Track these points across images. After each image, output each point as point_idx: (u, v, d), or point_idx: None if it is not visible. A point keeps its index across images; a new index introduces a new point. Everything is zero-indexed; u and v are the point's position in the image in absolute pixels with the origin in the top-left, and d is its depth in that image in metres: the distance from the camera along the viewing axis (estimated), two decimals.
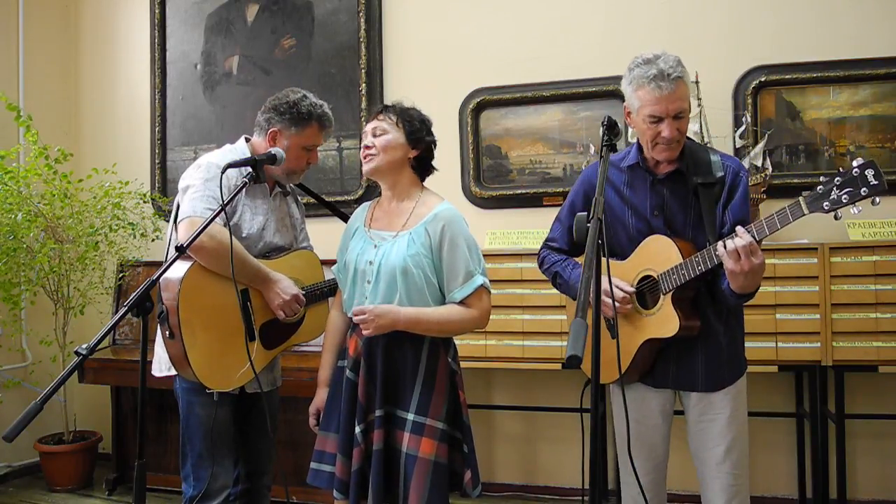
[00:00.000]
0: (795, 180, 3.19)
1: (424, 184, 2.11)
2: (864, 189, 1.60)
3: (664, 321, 1.90)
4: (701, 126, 3.11)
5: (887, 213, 3.05)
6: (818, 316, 2.83)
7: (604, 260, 2.07)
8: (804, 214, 1.67)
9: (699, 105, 3.12)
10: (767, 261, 2.82)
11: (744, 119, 3.19)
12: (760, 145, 3.12)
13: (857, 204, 1.62)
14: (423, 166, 2.08)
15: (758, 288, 1.83)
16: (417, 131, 2.04)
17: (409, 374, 1.97)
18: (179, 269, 1.94)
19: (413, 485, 1.88)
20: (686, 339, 1.92)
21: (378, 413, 1.94)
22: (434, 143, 2.10)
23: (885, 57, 3.12)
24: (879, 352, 2.78)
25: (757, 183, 3.06)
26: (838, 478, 2.91)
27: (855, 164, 1.61)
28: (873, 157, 3.14)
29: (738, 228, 1.74)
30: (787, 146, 3.26)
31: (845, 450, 2.91)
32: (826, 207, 1.64)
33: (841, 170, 1.63)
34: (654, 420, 2.02)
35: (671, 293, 1.89)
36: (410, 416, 1.93)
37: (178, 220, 2.05)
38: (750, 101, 3.23)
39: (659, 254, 1.92)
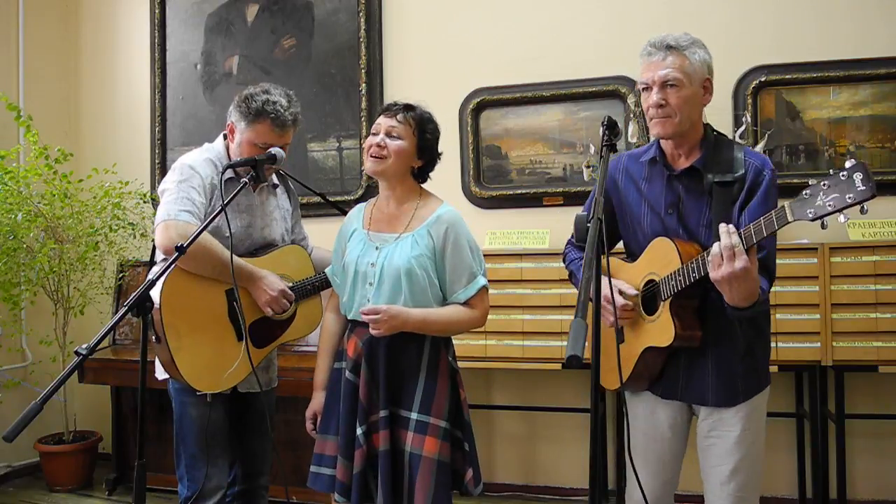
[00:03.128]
0: (795, 180, 3.18)
1: (423, 186, 2.11)
2: (849, 196, 1.45)
3: (662, 329, 1.80)
4: None
5: (887, 213, 3.05)
6: (818, 316, 2.83)
7: (604, 261, 2.05)
8: (789, 222, 1.54)
9: None
10: None
11: (744, 119, 3.19)
12: (760, 145, 3.12)
13: (844, 212, 1.48)
14: (423, 174, 2.08)
15: (754, 303, 1.67)
16: (430, 143, 2.02)
17: (411, 373, 1.97)
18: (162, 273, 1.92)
19: (418, 484, 1.87)
20: (695, 349, 1.81)
21: (383, 413, 1.93)
22: (439, 156, 2.08)
23: (885, 57, 3.12)
24: (879, 352, 2.78)
25: None
26: (838, 478, 2.91)
27: (847, 164, 1.47)
28: (873, 157, 3.15)
29: (722, 226, 1.62)
30: (787, 146, 3.25)
31: (845, 450, 2.91)
32: (810, 215, 1.50)
33: (830, 172, 1.50)
34: (664, 434, 1.90)
35: (669, 300, 1.79)
36: (414, 416, 1.93)
37: (155, 224, 2.02)
38: (750, 101, 3.23)
39: (661, 257, 1.82)
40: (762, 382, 1.87)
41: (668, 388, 1.88)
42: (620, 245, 2.07)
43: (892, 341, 2.77)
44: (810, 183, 1.52)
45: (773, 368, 2.86)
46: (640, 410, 1.93)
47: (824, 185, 1.49)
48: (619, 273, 1.98)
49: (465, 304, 1.98)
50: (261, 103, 2.06)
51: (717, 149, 1.84)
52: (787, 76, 3.22)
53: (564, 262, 2.16)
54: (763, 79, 3.24)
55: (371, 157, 1.98)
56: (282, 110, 2.08)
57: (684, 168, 1.86)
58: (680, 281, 1.74)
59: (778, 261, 2.79)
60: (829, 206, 1.48)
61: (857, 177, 1.44)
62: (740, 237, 1.60)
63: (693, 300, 1.80)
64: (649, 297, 1.87)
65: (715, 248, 1.62)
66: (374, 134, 2.00)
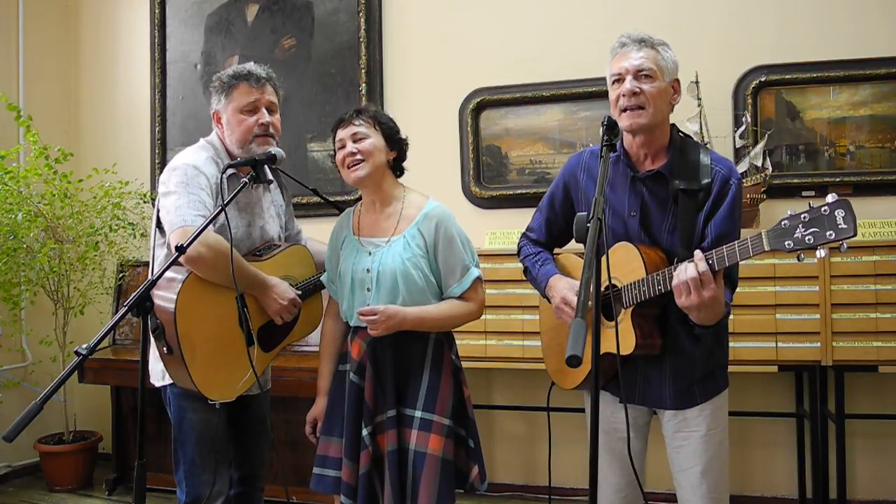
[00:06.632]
0: (795, 180, 3.20)
1: (402, 182, 2.12)
2: (830, 232, 1.43)
3: (622, 337, 1.75)
4: (701, 126, 3.11)
5: (887, 213, 3.05)
6: (818, 316, 2.83)
7: (569, 260, 2.03)
8: (765, 251, 1.52)
9: (699, 105, 3.12)
10: (767, 261, 2.86)
11: (744, 119, 3.19)
12: (760, 145, 3.12)
13: (822, 247, 1.46)
14: (398, 167, 2.10)
15: (719, 320, 1.68)
16: (394, 132, 2.05)
17: (415, 371, 1.98)
18: (174, 283, 1.88)
19: (423, 482, 1.88)
20: (651, 355, 1.80)
21: (390, 413, 1.94)
22: (407, 143, 2.10)
23: (885, 57, 3.12)
24: (879, 352, 2.78)
25: (757, 183, 3.06)
26: (838, 478, 2.91)
27: (828, 199, 1.45)
28: (873, 157, 3.15)
29: (697, 253, 1.61)
30: (787, 146, 3.25)
31: (845, 450, 2.91)
32: (788, 246, 1.49)
33: (811, 205, 1.47)
34: (624, 434, 1.87)
35: (631, 308, 1.76)
36: (418, 414, 1.94)
37: (169, 230, 1.96)
38: (750, 101, 3.23)
39: (625, 263, 1.78)
40: (720, 385, 1.87)
41: (627, 393, 1.87)
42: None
43: (892, 341, 2.77)
44: (789, 214, 1.50)
45: (773, 368, 2.89)
46: (600, 410, 1.93)
47: (804, 217, 1.47)
48: (576, 271, 1.97)
49: (461, 297, 2.00)
50: (231, 72, 2.11)
51: (683, 153, 1.81)
52: (787, 76, 3.22)
53: (518, 255, 2.13)
54: (763, 79, 3.24)
55: (348, 167, 1.99)
56: (253, 68, 2.11)
57: (650, 172, 1.82)
58: (644, 292, 1.72)
59: (778, 261, 2.86)
60: (808, 240, 1.46)
61: (839, 214, 1.43)
62: (711, 262, 1.59)
63: (654, 308, 1.78)
64: (606, 300, 1.81)
65: (682, 273, 1.60)
66: (340, 148, 2.01)
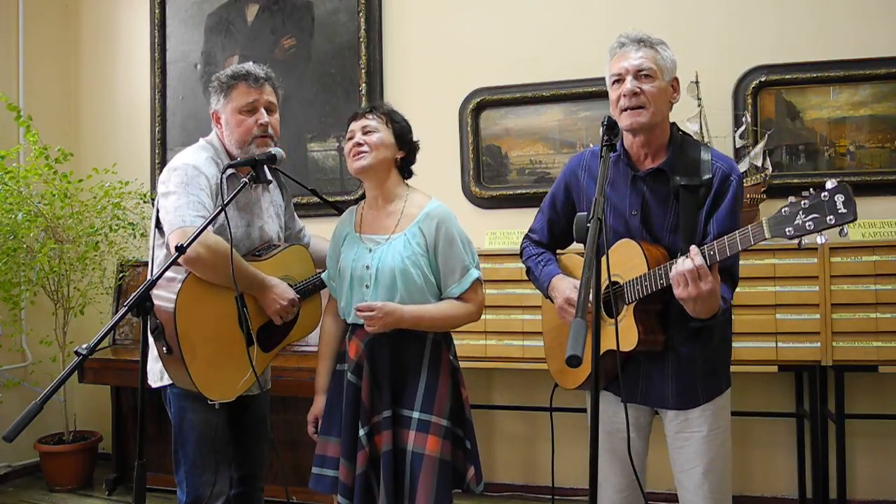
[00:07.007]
0: (795, 180, 3.19)
1: (409, 183, 2.12)
2: (830, 217, 1.43)
3: (624, 333, 1.76)
4: (701, 126, 3.11)
5: (887, 213, 3.05)
6: (818, 316, 2.82)
7: (572, 261, 2.04)
8: (766, 239, 1.53)
9: (699, 105, 3.12)
10: (767, 261, 2.86)
11: (744, 119, 3.19)
12: (760, 145, 3.12)
13: (823, 233, 1.46)
14: (406, 168, 2.10)
15: (714, 315, 1.68)
16: (406, 132, 2.06)
17: (413, 372, 1.97)
18: (174, 283, 1.88)
19: (420, 483, 1.88)
20: (653, 353, 1.80)
21: (386, 414, 1.94)
22: (418, 145, 2.11)
23: (885, 57, 3.12)
24: (879, 352, 2.78)
25: (757, 183, 3.06)
26: (838, 478, 2.91)
27: (828, 185, 1.45)
28: (873, 157, 3.15)
29: (692, 248, 1.62)
30: (787, 146, 3.25)
31: (845, 450, 2.91)
32: (789, 233, 1.49)
33: (811, 191, 1.48)
34: (626, 434, 1.88)
35: (634, 304, 1.76)
36: (415, 415, 1.94)
37: (168, 231, 1.95)
38: (750, 101, 3.23)
39: (627, 260, 1.79)
40: (722, 385, 1.87)
41: (629, 392, 1.87)
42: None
43: (892, 341, 2.77)
44: (790, 200, 1.51)
45: (773, 368, 2.89)
46: (602, 410, 1.92)
47: (804, 203, 1.48)
48: (578, 272, 1.96)
49: (460, 298, 2.00)
50: (230, 72, 2.11)
51: (683, 150, 1.82)
52: (787, 76, 3.22)
53: (521, 256, 2.13)
54: (763, 79, 3.24)
55: (353, 157, 2.00)
56: (252, 68, 2.11)
57: (650, 169, 1.83)
58: (646, 286, 1.73)
59: (778, 261, 2.86)
60: (809, 226, 1.46)
61: (839, 199, 1.43)
62: (707, 255, 1.59)
63: (656, 305, 1.78)
64: (609, 298, 1.82)
65: (677, 267, 1.62)
66: (349, 139, 2.03)
